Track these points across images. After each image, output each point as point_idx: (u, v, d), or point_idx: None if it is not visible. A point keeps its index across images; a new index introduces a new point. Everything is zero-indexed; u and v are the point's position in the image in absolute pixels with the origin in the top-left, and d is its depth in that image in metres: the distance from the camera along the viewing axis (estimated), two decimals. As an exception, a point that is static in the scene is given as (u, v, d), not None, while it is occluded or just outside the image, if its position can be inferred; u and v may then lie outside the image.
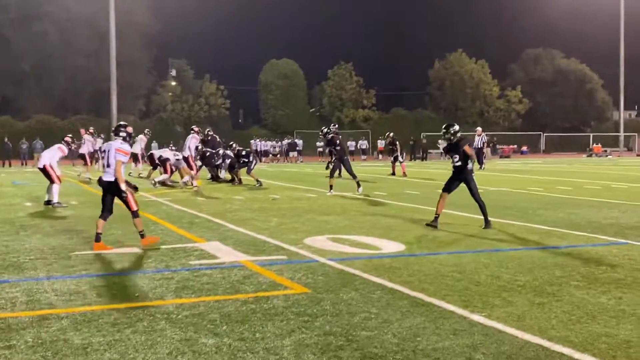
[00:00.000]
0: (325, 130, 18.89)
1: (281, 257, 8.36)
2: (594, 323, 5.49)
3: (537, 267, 7.71)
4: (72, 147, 15.37)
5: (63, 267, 7.74)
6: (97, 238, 8.77)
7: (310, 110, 68.45)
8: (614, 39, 70.57)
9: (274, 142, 50.66)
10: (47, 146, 40.40)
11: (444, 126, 11.17)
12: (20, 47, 57.94)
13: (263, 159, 47.96)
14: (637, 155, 59.23)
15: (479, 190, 11.19)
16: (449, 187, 11.12)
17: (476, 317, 5.65)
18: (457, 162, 10.85)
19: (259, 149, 48.71)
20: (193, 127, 23.15)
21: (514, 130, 70.30)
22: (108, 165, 8.94)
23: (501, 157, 55.40)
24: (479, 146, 29.99)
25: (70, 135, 15.98)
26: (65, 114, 59.44)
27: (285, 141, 50.53)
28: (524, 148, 65.29)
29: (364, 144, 52.30)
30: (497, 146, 58.08)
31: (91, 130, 28.28)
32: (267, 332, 5.18)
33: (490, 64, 72.09)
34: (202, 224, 11.47)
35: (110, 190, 8.91)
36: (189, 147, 20.51)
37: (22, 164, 40.87)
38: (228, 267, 7.65)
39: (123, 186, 8.78)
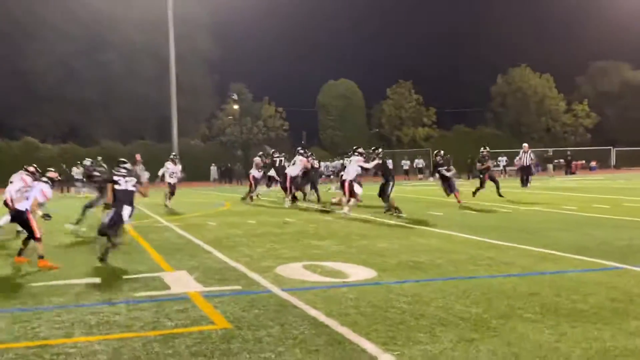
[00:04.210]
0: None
1: (236, 287, 8.01)
2: (513, 365, 4.93)
3: (500, 297, 7.12)
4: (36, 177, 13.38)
5: (6, 298, 7.60)
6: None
7: (371, 131, 67.90)
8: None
9: (328, 162, 50.34)
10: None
11: None
12: (86, 77, 59.73)
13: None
14: None
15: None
16: None
17: (385, 357, 5.17)
18: None
19: (312, 170, 48.47)
20: (300, 149, 23.10)
21: (583, 145, 67.88)
22: (26, 198, 10.29)
23: (566, 173, 53.43)
24: (526, 164, 28.80)
25: (34, 165, 13.64)
26: (129, 140, 60.84)
27: (337, 162, 50.12)
28: (593, 164, 62.91)
29: (420, 162, 51.42)
30: (572, 163, 55.72)
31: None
32: (144, 374, 4.84)
33: (555, 77, 70.00)
34: (187, 251, 11.21)
35: (17, 217, 10.30)
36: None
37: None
38: (170, 299, 7.34)
39: (36, 215, 10.33)
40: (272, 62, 79.90)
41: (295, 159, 21.59)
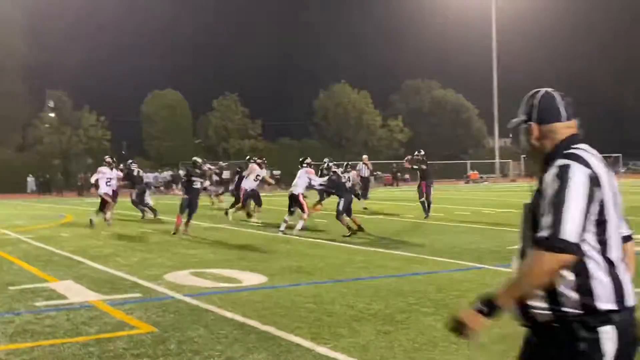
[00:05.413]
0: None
1: (136, 294, 8.09)
2: (435, 350, 5.59)
3: (391, 295, 7.82)
4: None
5: None
6: None
7: (196, 142, 67.71)
8: (486, 71, 74.38)
9: (157, 173, 49.68)
10: None
11: None
12: None
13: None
14: (512, 181, 61.95)
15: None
16: None
17: (321, 349, 5.63)
18: None
19: (140, 182, 47.61)
20: (255, 158, 20.52)
21: (397, 158, 72.02)
22: None
23: (392, 185, 56.61)
24: (365, 175, 30.24)
25: None
26: None
27: (167, 173, 49.59)
28: (407, 176, 67.02)
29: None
30: (378, 174, 59.32)
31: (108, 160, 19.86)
32: (99, 376, 4.95)
33: (372, 94, 73.92)
34: (59, 262, 10.98)
35: None
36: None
37: None
38: (75, 308, 7.31)
39: None
40: (94, 69, 77.13)
41: (248, 169, 19.87)
